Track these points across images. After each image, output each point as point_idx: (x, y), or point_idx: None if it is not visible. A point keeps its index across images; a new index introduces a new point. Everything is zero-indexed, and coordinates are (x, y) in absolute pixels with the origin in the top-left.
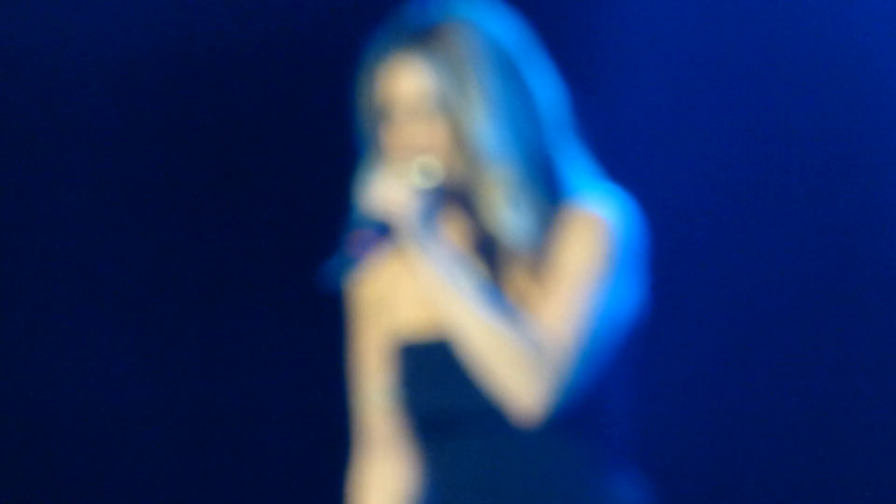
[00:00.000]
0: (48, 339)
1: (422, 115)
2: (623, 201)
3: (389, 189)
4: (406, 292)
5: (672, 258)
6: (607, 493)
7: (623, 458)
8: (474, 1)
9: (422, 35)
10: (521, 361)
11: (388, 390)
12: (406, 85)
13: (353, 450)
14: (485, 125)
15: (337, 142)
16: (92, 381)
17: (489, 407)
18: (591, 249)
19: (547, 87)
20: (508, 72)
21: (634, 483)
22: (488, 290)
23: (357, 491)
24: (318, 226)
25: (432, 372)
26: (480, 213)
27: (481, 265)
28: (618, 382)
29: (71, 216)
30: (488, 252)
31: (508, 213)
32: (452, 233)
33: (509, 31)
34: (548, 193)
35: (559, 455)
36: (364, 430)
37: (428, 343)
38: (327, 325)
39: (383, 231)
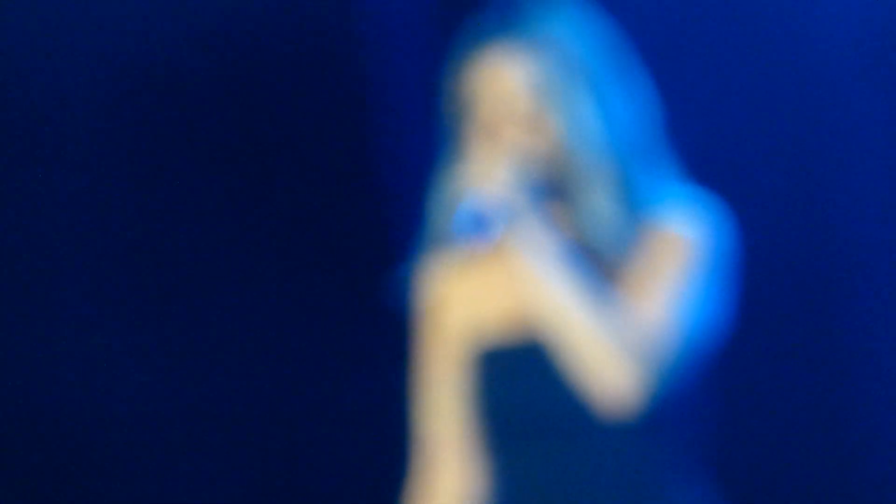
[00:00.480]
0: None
1: (525, 111)
2: (713, 212)
3: (498, 179)
4: (490, 294)
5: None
6: (681, 500)
7: (698, 466)
8: (564, 3)
9: (523, 31)
10: (622, 351)
11: (464, 394)
12: (510, 81)
13: (417, 457)
14: (591, 127)
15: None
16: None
17: (576, 409)
18: (678, 266)
19: (640, 91)
20: (609, 74)
21: (707, 491)
22: (589, 279)
23: (425, 499)
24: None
25: (521, 373)
26: (575, 215)
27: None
28: (699, 389)
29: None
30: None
31: (605, 217)
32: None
33: (604, 33)
34: (640, 200)
35: (638, 459)
36: (432, 437)
37: (517, 345)
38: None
39: (483, 226)
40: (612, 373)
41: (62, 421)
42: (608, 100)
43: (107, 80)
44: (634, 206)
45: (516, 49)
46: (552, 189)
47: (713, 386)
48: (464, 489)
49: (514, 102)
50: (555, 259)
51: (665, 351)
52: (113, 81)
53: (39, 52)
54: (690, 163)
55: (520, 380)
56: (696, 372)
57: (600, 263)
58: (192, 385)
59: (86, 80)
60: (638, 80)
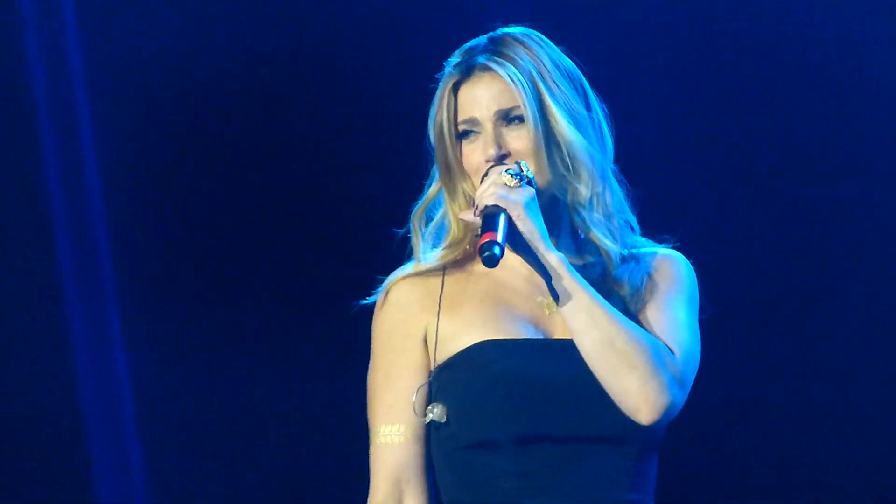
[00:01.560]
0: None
1: (509, 122)
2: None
3: (502, 187)
4: (474, 296)
5: None
6: None
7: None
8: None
9: (495, 46)
10: (649, 358)
11: (433, 408)
12: (491, 94)
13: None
14: (572, 131)
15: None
16: None
17: (589, 412)
18: (690, 291)
19: (602, 120)
20: (579, 84)
21: None
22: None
23: None
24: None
25: (529, 369)
26: (573, 217)
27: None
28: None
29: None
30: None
31: (599, 225)
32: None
33: (567, 60)
34: (619, 217)
35: (628, 473)
36: (390, 464)
37: (524, 341)
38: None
39: (492, 229)
40: (643, 383)
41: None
42: (586, 109)
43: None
44: (616, 220)
45: (494, 62)
46: (544, 196)
47: None
48: None
49: (499, 112)
50: (565, 262)
51: (689, 366)
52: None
53: None
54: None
55: (535, 378)
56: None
57: (589, 269)
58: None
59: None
60: (599, 110)
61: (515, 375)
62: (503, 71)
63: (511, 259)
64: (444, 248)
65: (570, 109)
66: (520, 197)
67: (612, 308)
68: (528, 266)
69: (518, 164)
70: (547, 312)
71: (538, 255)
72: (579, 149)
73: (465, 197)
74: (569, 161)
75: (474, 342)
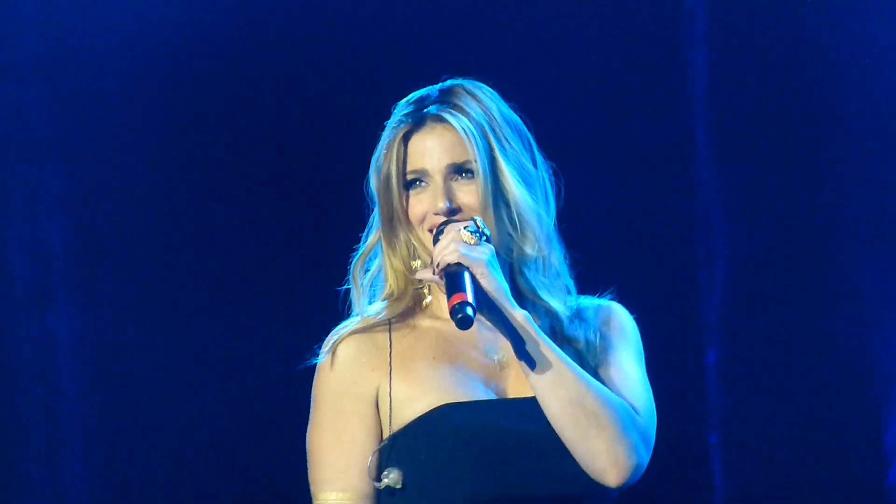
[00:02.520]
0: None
1: (459, 176)
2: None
3: (462, 244)
4: (425, 355)
5: None
6: None
7: None
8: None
9: (447, 97)
10: (617, 418)
11: (388, 474)
12: (443, 146)
13: None
14: (521, 189)
15: None
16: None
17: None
18: (638, 343)
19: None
20: (527, 140)
21: None
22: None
23: None
24: None
25: (489, 437)
26: (517, 277)
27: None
28: None
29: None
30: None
31: (546, 286)
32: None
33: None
34: (563, 271)
35: None
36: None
37: (482, 403)
38: None
39: (461, 289)
40: (606, 437)
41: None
42: (529, 172)
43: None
44: (562, 281)
45: (444, 114)
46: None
47: None
48: None
49: (449, 165)
50: (530, 321)
51: (651, 424)
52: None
53: None
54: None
55: (496, 445)
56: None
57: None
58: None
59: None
60: (545, 168)
61: (476, 439)
62: (457, 123)
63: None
64: (385, 302)
65: (520, 166)
66: (481, 255)
67: (579, 367)
68: (479, 322)
69: (474, 220)
70: (499, 370)
71: (503, 312)
72: (527, 208)
73: (407, 248)
74: (516, 220)
75: (432, 406)
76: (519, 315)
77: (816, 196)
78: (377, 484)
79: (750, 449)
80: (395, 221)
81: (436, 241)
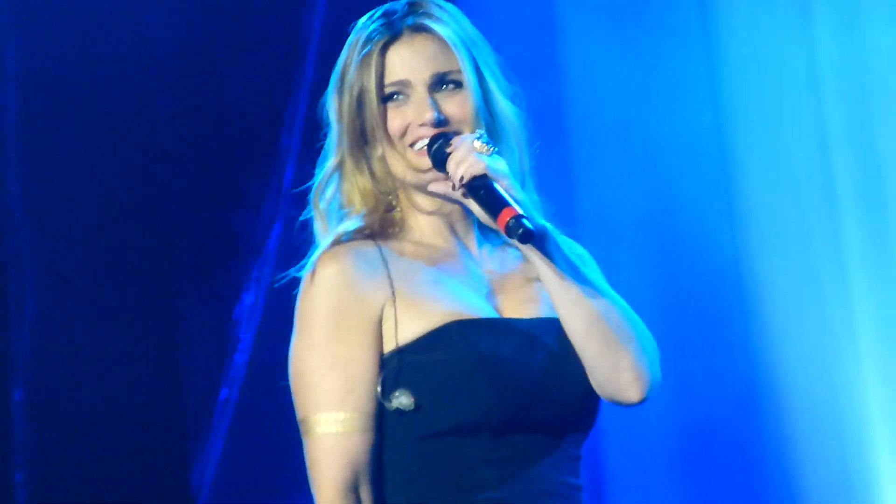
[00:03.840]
0: None
1: (442, 86)
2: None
3: (481, 155)
4: (421, 270)
5: None
6: None
7: None
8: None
9: (421, 9)
10: (638, 332)
11: (400, 395)
12: (426, 56)
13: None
14: (506, 102)
15: None
16: None
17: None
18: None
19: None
20: (495, 56)
21: None
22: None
23: None
24: None
25: (510, 351)
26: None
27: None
28: None
29: None
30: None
31: (534, 198)
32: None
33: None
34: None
35: (573, 458)
36: (344, 453)
37: (493, 321)
38: None
39: (505, 203)
40: (637, 357)
41: None
42: (506, 87)
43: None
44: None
45: (425, 27)
46: None
47: None
48: None
49: (435, 76)
50: (548, 232)
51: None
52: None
53: None
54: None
55: (519, 361)
56: None
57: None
58: None
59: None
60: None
61: (491, 358)
62: (443, 31)
63: (451, 229)
64: (359, 221)
65: (499, 79)
66: (502, 166)
67: (595, 281)
68: (469, 236)
69: (480, 132)
70: (495, 289)
71: None
72: (513, 121)
73: (379, 165)
74: (502, 133)
75: (444, 322)
76: (541, 231)
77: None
78: (388, 404)
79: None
80: (368, 138)
81: (433, 153)
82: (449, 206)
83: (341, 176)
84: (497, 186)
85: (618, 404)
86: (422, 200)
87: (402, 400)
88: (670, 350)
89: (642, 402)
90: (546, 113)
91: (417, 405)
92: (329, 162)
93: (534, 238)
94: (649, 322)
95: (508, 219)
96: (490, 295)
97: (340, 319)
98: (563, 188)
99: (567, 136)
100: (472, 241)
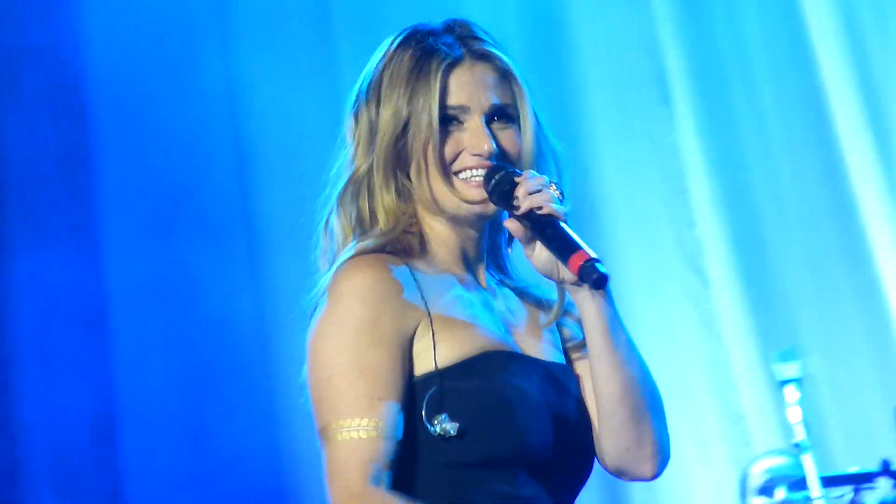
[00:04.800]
0: None
1: (497, 119)
2: None
3: (551, 196)
4: (452, 298)
5: None
6: None
7: None
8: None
9: (473, 34)
10: (663, 407)
11: (442, 422)
12: (487, 85)
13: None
14: (557, 144)
15: None
16: None
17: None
18: None
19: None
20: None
21: None
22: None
23: None
24: None
25: (548, 391)
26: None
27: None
28: None
29: None
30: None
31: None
32: None
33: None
34: None
35: None
36: (369, 456)
37: (529, 358)
38: None
39: (577, 246)
40: (661, 432)
41: None
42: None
43: None
44: None
45: (491, 58)
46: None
47: None
48: None
49: (494, 106)
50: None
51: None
52: None
53: None
54: None
55: (553, 401)
56: None
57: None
58: None
59: None
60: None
61: (530, 393)
62: (505, 62)
63: (465, 259)
64: (383, 237)
65: (547, 119)
66: (565, 212)
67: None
68: (480, 269)
69: (550, 178)
70: (514, 330)
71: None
72: (559, 162)
73: (405, 186)
74: (546, 174)
75: (482, 350)
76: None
77: None
78: (431, 428)
79: None
80: (407, 158)
81: (496, 183)
82: (466, 237)
83: (364, 190)
84: (567, 229)
85: (621, 476)
86: (442, 228)
87: (445, 426)
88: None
89: (652, 479)
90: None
91: (460, 432)
92: (353, 174)
93: (607, 284)
94: None
95: (583, 261)
96: (507, 331)
97: (375, 328)
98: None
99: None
100: (482, 274)
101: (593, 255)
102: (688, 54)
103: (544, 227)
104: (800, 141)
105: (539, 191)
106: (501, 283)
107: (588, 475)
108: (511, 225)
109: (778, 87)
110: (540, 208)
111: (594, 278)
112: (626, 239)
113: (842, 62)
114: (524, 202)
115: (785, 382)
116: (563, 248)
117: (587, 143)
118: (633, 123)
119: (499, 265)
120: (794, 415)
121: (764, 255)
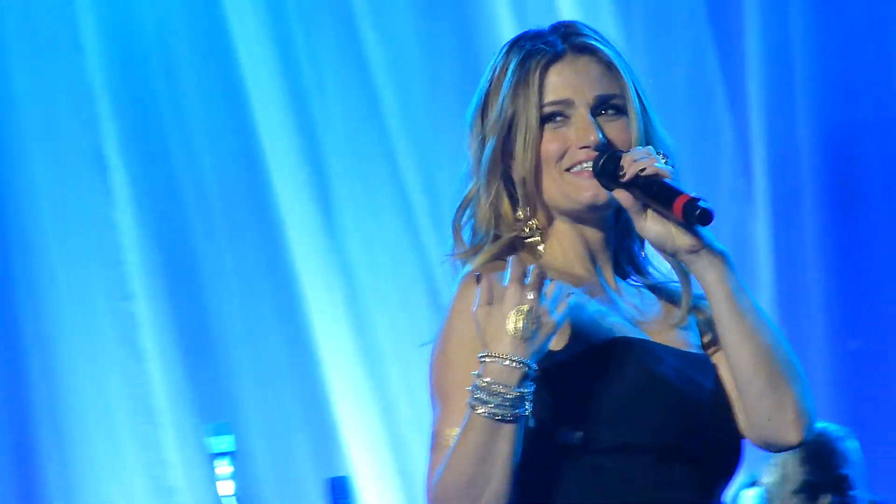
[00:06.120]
0: None
1: (604, 110)
2: None
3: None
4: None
5: None
6: None
7: None
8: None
9: (581, 30)
10: (801, 370)
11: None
12: (590, 77)
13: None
14: (665, 133)
15: None
16: None
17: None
18: None
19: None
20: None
21: None
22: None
23: None
24: None
25: (667, 377)
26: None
27: None
28: None
29: None
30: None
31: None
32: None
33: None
34: None
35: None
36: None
37: (655, 344)
38: None
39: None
40: (802, 397)
41: None
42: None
43: None
44: None
45: (598, 43)
46: None
47: None
48: None
49: (603, 99)
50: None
51: None
52: None
53: None
54: None
55: (672, 386)
56: None
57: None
58: None
59: None
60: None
61: (661, 378)
62: (608, 53)
63: (591, 258)
64: (500, 245)
65: (656, 109)
66: (670, 170)
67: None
68: (607, 268)
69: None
70: (639, 323)
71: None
72: (670, 151)
73: (519, 191)
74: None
75: (606, 339)
76: (721, 254)
77: None
78: (565, 439)
79: None
80: (516, 161)
81: (602, 165)
82: (592, 235)
83: (480, 200)
84: (670, 183)
85: (769, 447)
86: (566, 227)
87: (576, 435)
88: None
89: (799, 445)
90: None
91: (584, 433)
92: (469, 187)
93: (711, 219)
94: None
95: (685, 202)
96: (636, 324)
97: (474, 345)
98: None
99: None
100: (610, 273)
101: (693, 195)
102: (126, 125)
103: (650, 187)
104: (240, 210)
105: (646, 156)
106: (635, 281)
107: (734, 465)
108: (620, 195)
109: (217, 156)
110: (643, 170)
111: (697, 214)
112: (64, 314)
113: (283, 132)
114: (629, 169)
115: (216, 456)
116: (668, 198)
117: (28, 213)
118: (70, 193)
119: (634, 264)
120: (226, 488)
121: (203, 328)
